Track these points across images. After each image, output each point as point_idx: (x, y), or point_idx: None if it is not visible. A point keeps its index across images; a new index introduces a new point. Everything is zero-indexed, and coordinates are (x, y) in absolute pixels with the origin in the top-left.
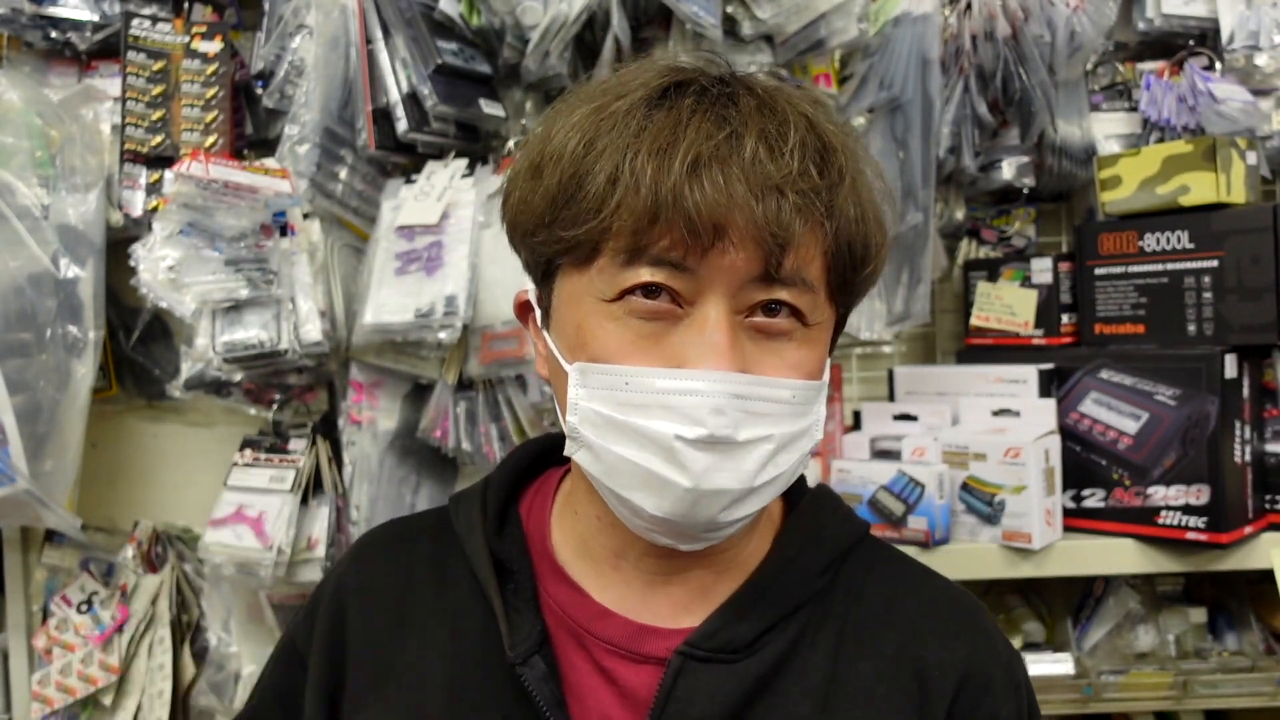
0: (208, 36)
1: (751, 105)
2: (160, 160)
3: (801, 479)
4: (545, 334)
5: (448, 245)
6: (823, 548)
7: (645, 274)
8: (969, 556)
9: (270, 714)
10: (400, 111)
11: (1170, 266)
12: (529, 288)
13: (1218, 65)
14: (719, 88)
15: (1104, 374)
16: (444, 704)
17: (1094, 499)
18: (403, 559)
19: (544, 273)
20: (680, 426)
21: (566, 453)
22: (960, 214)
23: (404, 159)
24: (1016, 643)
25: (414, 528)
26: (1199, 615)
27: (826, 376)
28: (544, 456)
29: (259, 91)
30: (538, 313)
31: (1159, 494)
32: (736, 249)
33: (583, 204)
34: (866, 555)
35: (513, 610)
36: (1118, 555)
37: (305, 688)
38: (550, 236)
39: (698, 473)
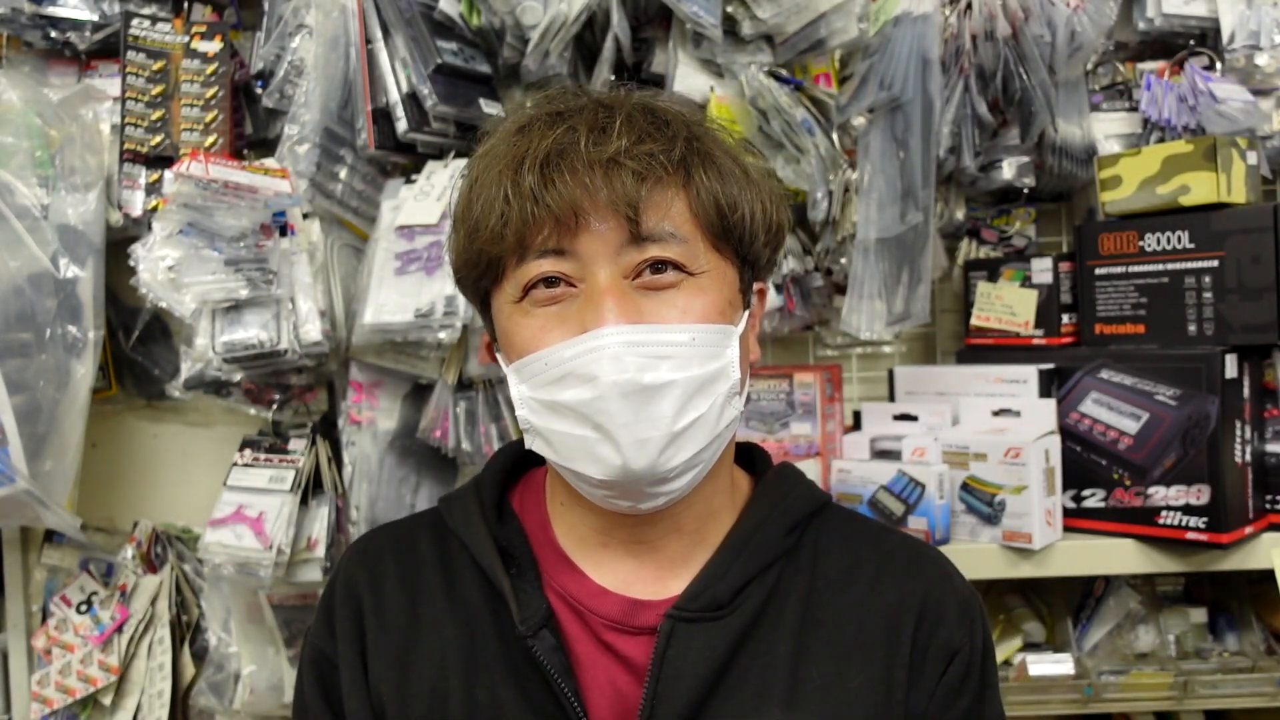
0: (207, 36)
1: (590, 106)
2: (160, 160)
3: (766, 459)
4: (498, 358)
5: (448, 245)
6: (787, 511)
7: (534, 266)
8: (969, 556)
9: None
10: (400, 111)
11: (1170, 266)
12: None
13: (1218, 65)
14: (560, 112)
15: (1104, 374)
16: (462, 680)
17: (1094, 499)
18: (407, 557)
19: (482, 305)
20: (587, 387)
21: (526, 446)
22: (960, 214)
23: (404, 159)
24: (1016, 643)
25: (410, 528)
26: (1199, 615)
27: (743, 324)
28: (524, 460)
29: (259, 91)
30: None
31: (1159, 494)
32: (600, 222)
33: (482, 231)
34: (830, 517)
35: (519, 590)
36: (1118, 555)
37: (343, 689)
38: (471, 266)
39: (618, 429)
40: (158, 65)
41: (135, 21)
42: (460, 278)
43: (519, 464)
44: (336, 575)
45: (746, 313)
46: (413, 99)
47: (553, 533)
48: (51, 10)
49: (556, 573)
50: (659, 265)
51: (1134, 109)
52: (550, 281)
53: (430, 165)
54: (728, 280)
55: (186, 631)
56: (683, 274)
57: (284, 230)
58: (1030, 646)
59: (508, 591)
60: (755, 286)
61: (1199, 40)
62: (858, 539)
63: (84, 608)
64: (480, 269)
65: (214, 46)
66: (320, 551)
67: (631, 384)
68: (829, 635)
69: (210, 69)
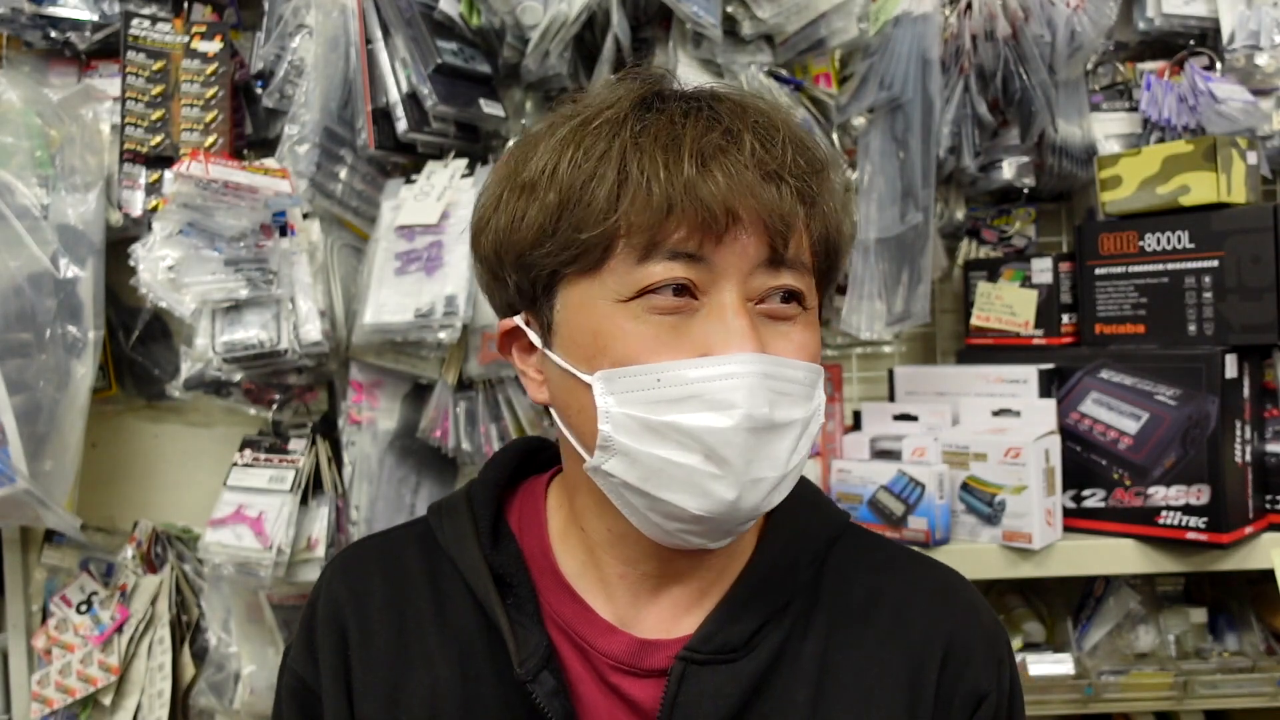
0: (207, 36)
1: (733, 108)
2: (160, 160)
3: None
4: (549, 353)
5: (448, 245)
6: (808, 541)
7: (666, 269)
8: (969, 556)
9: None
10: (400, 111)
11: (1170, 266)
12: (514, 317)
13: (1218, 65)
14: (695, 97)
15: (1104, 374)
16: None
17: (1094, 499)
18: (393, 575)
19: (544, 288)
20: (717, 415)
21: (593, 464)
22: (960, 214)
23: (404, 159)
24: (1016, 643)
25: (396, 541)
26: (1199, 615)
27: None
28: (521, 466)
29: (259, 91)
30: (532, 335)
31: (1159, 494)
32: (747, 235)
33: (592, 207)
34: (851, 543)
35: (517, 625)
36: (1118, 555)
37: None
38: (555, 247)
39: (740, 465)
40: (158, 65)
41: (135, 21)
42: (514, 250)
43: (516, 471)
44: (318, 594)
45: None
46: (413, 99)
47: (554, 556)
48: (51, 10)
49: (558, 604)
50: (787, 294)
51: (1134, 109)
52: (676, 287)
53: (430, 165)
54: (818, 317)
55: (186, 631)
56: (800, 307)
57: (284, 230)
58: (1030, 646)
59: (505, 629)
60: None
61: (1199, 40)
62: (879, 567)
63: (84, 608)
64: (567, 248)
65: (214, 46)
66: (320, 551)
67: (766, 420)
68: (849, 679)
69: (210, 69)
